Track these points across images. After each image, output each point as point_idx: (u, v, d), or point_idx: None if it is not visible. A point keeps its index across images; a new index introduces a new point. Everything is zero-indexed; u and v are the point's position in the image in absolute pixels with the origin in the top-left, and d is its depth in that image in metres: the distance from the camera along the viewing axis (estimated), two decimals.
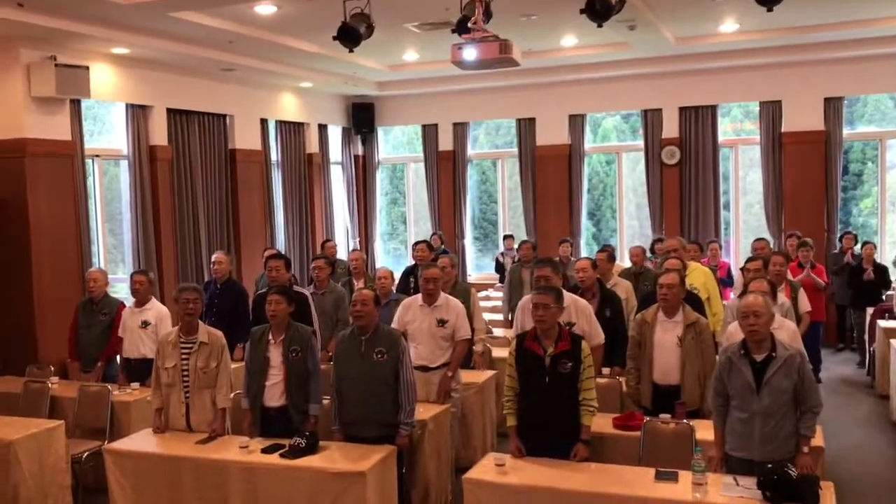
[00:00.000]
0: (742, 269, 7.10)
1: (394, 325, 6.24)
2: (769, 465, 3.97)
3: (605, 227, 13.85)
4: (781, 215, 12.04)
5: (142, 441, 5.40)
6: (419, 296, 6.21)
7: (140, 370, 6.85)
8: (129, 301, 7.22)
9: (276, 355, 5.28)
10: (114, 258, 9.82)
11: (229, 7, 8.02)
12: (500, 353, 7.62)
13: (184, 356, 5.47)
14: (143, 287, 7.00)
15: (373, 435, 5.02)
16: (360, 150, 14.32)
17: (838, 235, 11.36)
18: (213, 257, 8.10)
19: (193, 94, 10.34)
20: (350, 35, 6.72)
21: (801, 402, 4.22)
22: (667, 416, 5.19)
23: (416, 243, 8.57)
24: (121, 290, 8.74)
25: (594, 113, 13.20)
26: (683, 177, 12.47)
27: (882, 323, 8.74)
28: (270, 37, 9.34)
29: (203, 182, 10.49)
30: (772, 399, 4.18)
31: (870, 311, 9.77)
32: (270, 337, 5.32)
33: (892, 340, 7.87)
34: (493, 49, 6.03)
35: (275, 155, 12.11)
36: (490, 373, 6.95)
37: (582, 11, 5.94)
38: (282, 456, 4.88)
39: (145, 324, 6.94)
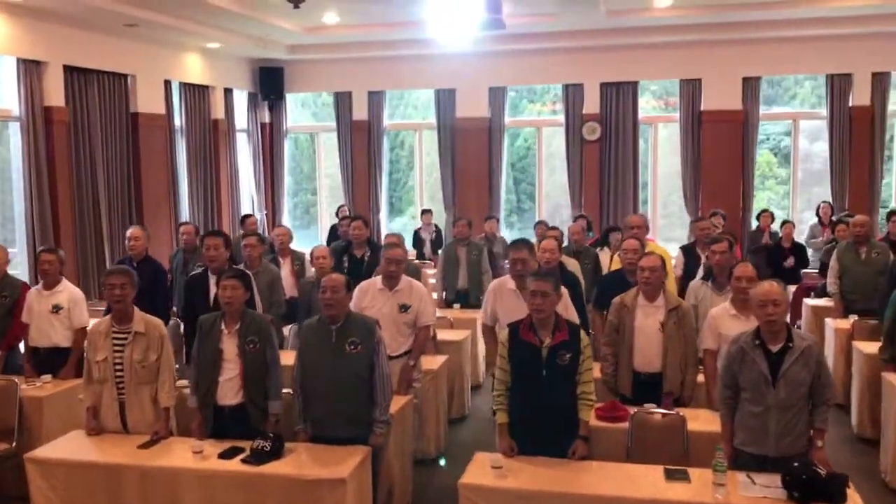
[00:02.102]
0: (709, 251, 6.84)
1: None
2: (795, 464, 3.74)
3: (525, 202, 13.64)
4: (699, 193, 12.14)
5: (72, 446, 4.69)
6: (378, 278, 5.71)
7: (51, 360, 6.08)
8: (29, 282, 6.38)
9: (230, 347, 4.66)
10: (3, 233, 8.77)
11: None
12: (443, 335, 7.25)
13: (116, 348, 4.78)
14: (52, 267, 6.15)
15: (345, 435, 4.51)
16: (266, 118, 13.49)
17: (755, 214, 11.55)
18: (129, 232, 7.28)
19: (93, 50, 9.34)
20: None
21: (816, 394, 4.02)
22: (651, 405, 4.94)
23: (353, 218, 8.02)
24: (13, 269, 7.79)
25: (515, 85, 12.89)
26: (603, 153, 12.38)
27: (809, 301, 8.86)
28: None
29: (103, 148, 9.54)
30: (788, 392, 3.97)
31: (791, 289, 9.93)
32: (223, 327, 4.70)
33: (827, 319, 7.94)
34: None
35: (178, 120, 11.19)
36: (442, 358, 6.55)
37: None
38: (244, 461, 4.31)
39: (56, 308, 6.11)
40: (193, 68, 11.39)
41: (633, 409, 4.89)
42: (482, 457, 4.37)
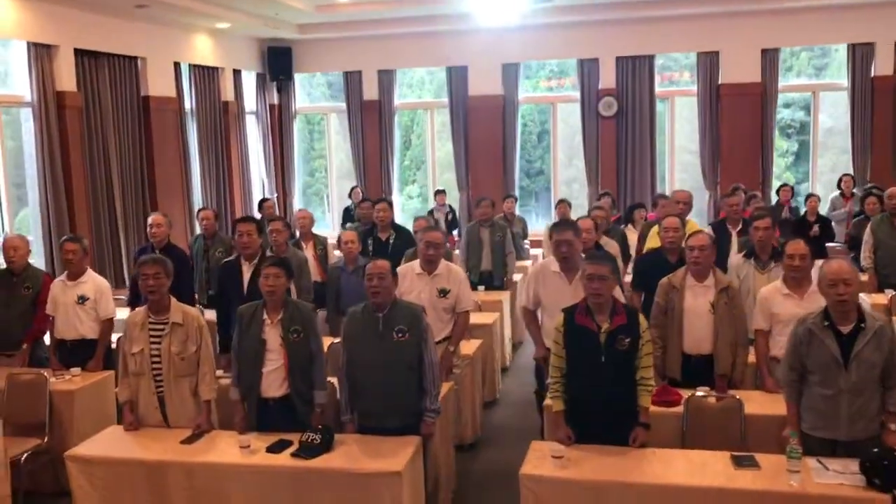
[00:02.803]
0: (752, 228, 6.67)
1: None
2: (875, 450, 3.61)
3: (540, 179, 13.46)
4: (717, 168, 11.96)
5: (112, 442, 4.55)
6: (416, 262, 5.56)
7: (78, 353, 5.95)
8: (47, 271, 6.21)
9: (273, 337, 4.51)
10: (18, 221, 8.59)
11: None
12: (474, 318, 7.10)
13: (153, 340, 4.62)
14: (76, 256, 5.98)
15: (394, 425, 4.37)
16: (275, 99, 13.26)
17: (775, 188, 11.37)
18: (151, 219, 7.10)
19: (103, 33, 9.12)
20: None
21: (887, 376, 3.87)
22: (705, 388, 4.80)
23: (377, 201, 7.84)
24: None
25: (529, 61, 12.67)
26: (620, 129, 12.18)
27: None
28: None
29: (115, 133, 9.34)
30: (861, 374, 3.82)
31: (818, 263, 9.77)
32: (266, 316, 4.54)
33: (861, 294, 7.79)
34: None
35: (188, 103, 10.97)
36: (477, 342, 6.42)
37: None
38: (294, 455, 4.17)
39: (82, 299, 5.96)
40: (203, 50, 11.16)
41: (685, 393, 4.77)
42: (539, 445, 4.23)
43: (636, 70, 12.01)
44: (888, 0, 10.75)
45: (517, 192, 12.45)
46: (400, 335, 4.38)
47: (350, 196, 12.03)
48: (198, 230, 10.91)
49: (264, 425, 4.51)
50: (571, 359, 4.21)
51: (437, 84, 13.33)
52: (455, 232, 12.00)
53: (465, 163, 12.63)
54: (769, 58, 11.63)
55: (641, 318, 4.25)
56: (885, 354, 3.83)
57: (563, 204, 10.07)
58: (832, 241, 10.13)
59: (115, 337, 6.12)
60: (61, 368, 5.86)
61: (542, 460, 4.03)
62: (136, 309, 4.78)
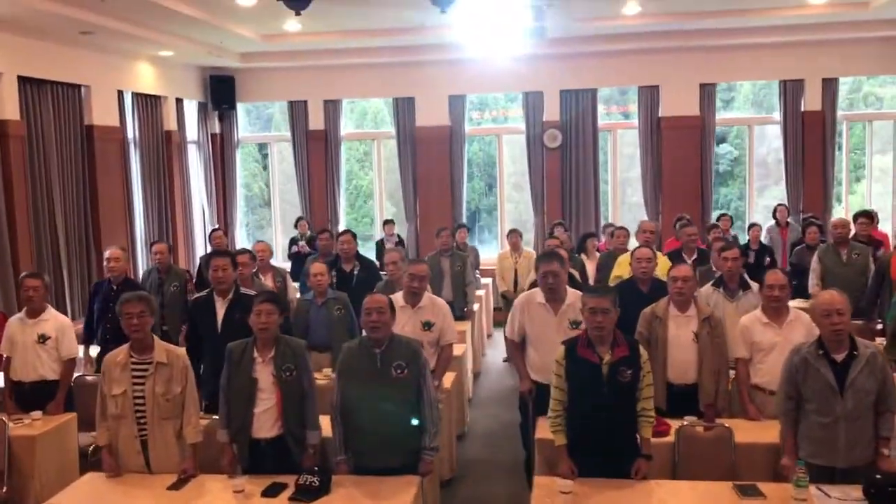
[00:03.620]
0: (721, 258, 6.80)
1: None
2: (877, 476, 3.71)
3: (487, 210, 13.56)
4: (659, 198, 12.27)
5: (92, 491, 4.31)
6: (398, 295, 5.50)
7: (37, 395, 5.66)
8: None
9: (265, 376, 4.37)
10: None
11: None
12: None
13: (136, 381, 4.43)
14: (38, 293, 5.72)
15: (392, 464, 4.28)
16: (217, 128, 13.01)
17: (714, 218, 11.72)
18: (108, 253, 6.85)
19: (48, 60, 8.79)
20: None
21: (880, 402, 4.01)
22: (692, 418, 4.88)
23: (342, 233, 7.76)
24: None
25: (474, 94, 12.80)
26: (564, 160, 12.38)
27: (790, 304, 8.98)
28: None
29: (59, 164, 8.98)
30: (856, 401, 3.94)
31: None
32: (256, 354, 4.40)
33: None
34: None
35: (131, 132, 10.65)
36: (452, 375, 6.36)
37: None
38: (292, 499, 4.04)
39: (43, 338, 5.69)
40: (146, 77, 10.88)
41: (672, 423, 4.82)
42: (543, 481, 4.21)
43: (580, 103, 12.24)
44: (816, 39, 11.27)
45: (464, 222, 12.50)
46: (399, 371, 4.31)
47: (296, 227, 11.86)
48: (141, 264, 10.71)
49: (255, 468, 4.35)
50: (573, 392, 4.21)
51: (382, 115, 13.32)
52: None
53: (413, 193, 12.61)
54: (707, 92, 12.04)
55: (642, 349, 4.29)
56: (879, 381, 3.97)
57: (515, 234, 10.16)
58: (775, 268, 10.46)
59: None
60: (18, 412, 5.55)
61: (552, 497, 4.00)
62: (117, 348, 4.57)
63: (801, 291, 8.54)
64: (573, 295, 5.25)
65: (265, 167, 14.24)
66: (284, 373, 4.37)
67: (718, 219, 11.41)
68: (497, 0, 5.31)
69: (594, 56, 11.87)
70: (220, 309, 5.58)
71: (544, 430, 4.92)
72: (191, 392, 4.48)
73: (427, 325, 5.37)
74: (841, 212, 12.15)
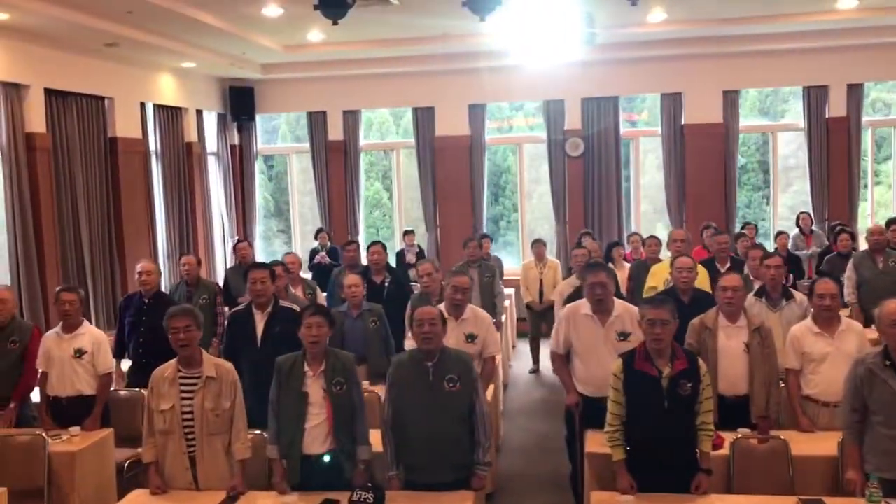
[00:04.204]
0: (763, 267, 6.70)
1: (410, 341, 5.41)
2: None
3: (506, 219, 13.49)
4: (683, 206, 12.18)
5: None
6: (441, 307, 5.40)
7: (73, 410, 5.59)
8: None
9: (316, 390, 4.29)
10: None
11: None
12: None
13: (185, 395, 4.36)
14: (74, 308, 5.65)
15: (445, 480, 4.19)
16: (236, 140, 12.97)
17: (739, 226, 11.62)
18: (140, 266, 6.78)
19: (73, 72, 8.77)
20: (333, 4, 5.71)
21: None
22: (746, 430, 4.78)
23: (372, 244, 7.68)
24: None
25: (495, 103, 12.75)
26: (587, 168, 12.30)
27: None
28: (178, 6, 8.02)
29: (84, 176, 8.94)
30: None
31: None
32: (307, 368, 4.33)
33: None
34: None
35: (152, 144, 10.61)
36: (491, 388, 6.27)
37: None
38: None
39: (79, 353, 5.62)
40: (167, 89, 10.85)
41: (725, 435, 4.72)
42: (600, 497, 4.12)
43: (601, 111, 12.18)
44: (840, 45, 11.19)
45: (485, 231, 12.41)
46: (451, 385, 4.22)
47: (316, 238, 11.80)
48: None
49: (306, 484, 4.27)
50: (632, 406, 4.13)
51: (403, 125, 13.28)
52: None
53: (434, 202, 12.55)
54: (730, 99, 11.96)
55: (701, 362, 4.20)
56: None
57: (539, 244, 10.08)
58: (802, 278, 10.37)
59: None
60: (54, 428, 5.49)
61: None
62: (165, 363, 4.49)
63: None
64: (620, 306, 5.17)
65: (270, 178, 14.21)
66: (335, 387, 4.29)
67: (743, 227, 11.32)
68: (547, 8, 5.21)
69: (616, 63, 11.80)
70: (260, 322, 5.51)
71: (594, 443, 4.85)
72: (240, 407, 4.41)
73: (470, 338, 5.29)
74: (866, 219, 12.05)
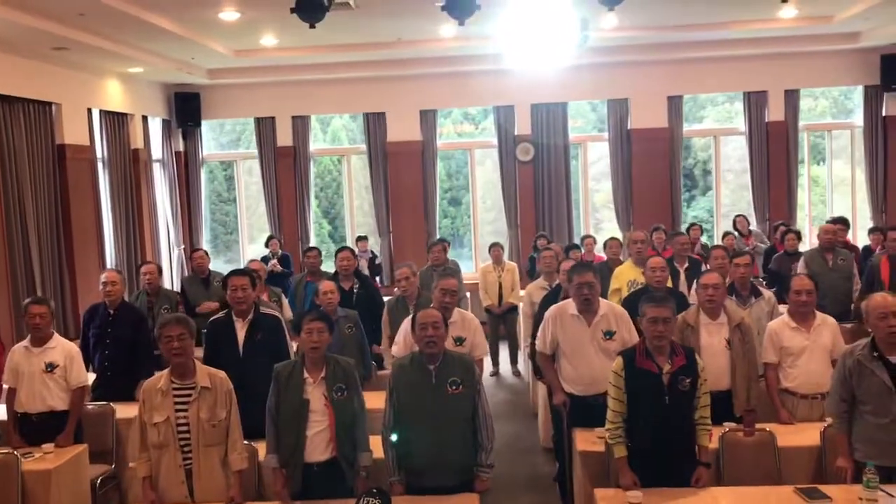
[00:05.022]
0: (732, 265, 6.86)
1: (399, 345, 5.42)
2: None
3: (460, 224, 13.54)
4: (630, 210, 12.43)
5: None
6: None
7: (45, 427, 5.37)
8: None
9: (317, 397, 4.24)
10: None
11: None
12: None
13: (179, 406, 4.24)
14: (44, 320, 5.44)
15: (449, 483, 4.19)
16: (181, 146, 12.68)
17: (685, 228, 11.92)
18: (105, 276, 6.57)
19: (19, 76, 8.45)
20: (311, 6, 5.66)
21: None
22: (731, 424, 4.92)
23: (340, 250, 7.60)
24: None
25: (445, 108, 12.79)
26: (537, 173, 12.45)
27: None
28: (133, 10, 7.81)
29: (32, 185, 8.61)
30: None
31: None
32: (307, 374, 4.27)
33: None
34: None
35: (100, 151, 10.30)
36: None
37: None
38: None
39: (51, 367, 5.41)
40: (113, 95, 10.55)
41: (714, 430, 4.83)
42: (606, 494, 4.18)
43: (550, 116, 12.34)
44: (778, 52, 11.62)
45: (437, 237, 12.43)
46: (454, 387, 4.23)
47: (267, 245, 11.64)
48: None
49: (307, 493, 4.21)
50: (634, 403, 4.20)
51: (353, 130, 13.22)
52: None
53: (386, 208, 12.51)
54: (674, 104, 12.28)
55: (698, 357, 4.30)
56: None
57: (497, 247, 10.16)
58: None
59: None
60: (24, 446, 5.27)
61: None
62: (156, 374, 4.37)
63: (780, 297, 8.76)
64: (605, 305, 5.26)
65: (217, 185, 13.97)
66: (336, 393, 4.25)
67: (688, 229, 11.63)
68: (541, 11, 5.27)
69: (564, 70, 11.90)
70: (241, 330, 5.39)
71: (585, 442, 4.93)
72: (235, 417, 4.32)
73: (458, 341, 5.29)
74: (804, 219, 12.52)
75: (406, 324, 5.42)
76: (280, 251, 11.49)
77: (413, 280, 6.55)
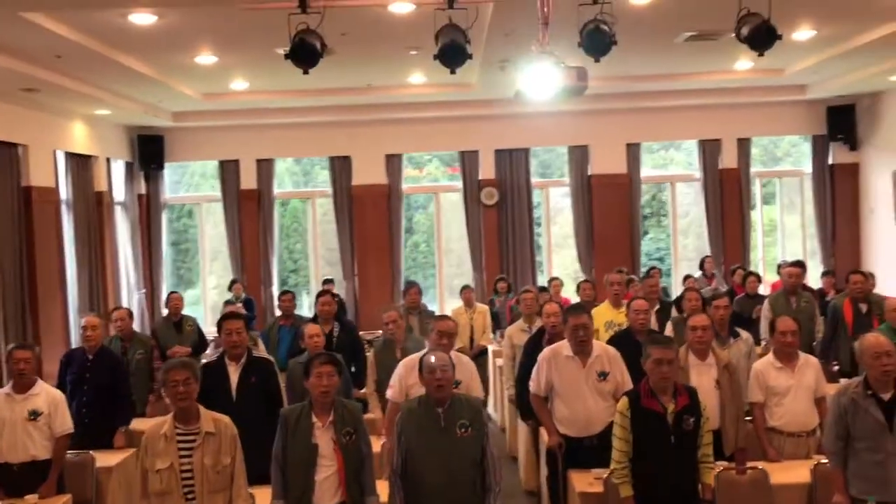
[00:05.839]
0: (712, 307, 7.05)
1: (395, 388, 5.41)
2: None
3: (425, 267, 13.62)
4: (592, 253, 12.66)
5: None
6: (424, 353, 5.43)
7: (27, 477, 5.21)
8: None
9: (326, 441, 4.22)
10: None
11: (96, 13, 6.53)
12: None
13: (183, 453, 4.17)
14: (29, 366, 5.30)
15: None
16: (143, 189, 12.53)
17: (645, 271, 12.18)
18: (84, 321, 6.47)
19: None
20: (305, 53, 5.73)
21: None
22: (723, 462, 5.03)
23: (321, 293, 7.61)
24: None
25: (410, 153, 12.94)
26: (501, 217, 12.64)
27: None
28: (110, 52, 7.78)
29: None
30: None
31: None
32: (315, 419, 4.25)
33: None
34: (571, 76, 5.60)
35: (64, 193, 10.13)
36: None
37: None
38: None
39: (34, 414, 5.26)
40: (79, 137, 10.42)
41: None
42: None
43: (514, 162, 12.58)
44: (731, 103, 12.10)
45: (401, 279, 12.48)
46: (463, 430, 4.26)
47: (230, 289, 11.53)
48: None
49: None
50: (639, 442, 4.28)
51: (315, 173, 13.26)
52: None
53: (351, 251, 12.52)
54: (632, 151, 12.63)
55: (700, 397, 4.42)
56: None
57: (468, 290, 10.23)
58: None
59: None
60: (3, 497, 5.10)
61: None
62: (159, 419, 4.30)
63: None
64: (598, 347, 5.36)
65: (178, 228, 13.83)
66: (344, 437, 4.24)
67: (649, 272, 11.87)
68: (541, 60, 5.45)
69: (526, 116, 12.18)
70: (234, 374, 5.34)
71: (582, 483, 4.98)
72: (240, 463, 4.27)
73: (454, 384, 5.31)
74: (759, 263, 12.91)
75: (401, 368, 5.43)
76: (243, 295, 11.38)
77: (400, 323, 6.58)
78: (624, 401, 4.37)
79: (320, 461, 4.20)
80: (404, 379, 5.33)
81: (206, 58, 8.40)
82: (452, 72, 5.62)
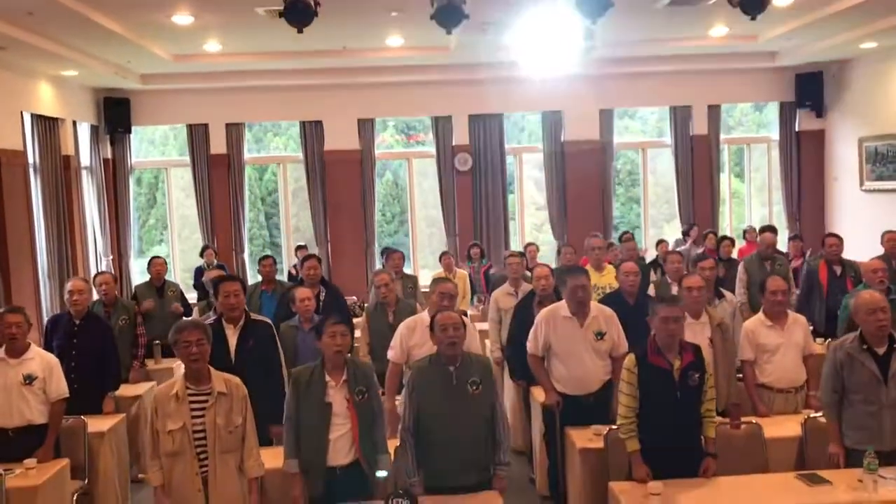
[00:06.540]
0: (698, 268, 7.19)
1: (396, 350, 5.44)
2: None
3: (398, 233, 13.59)
4: (565, 219, 12.76)
5: None
6: (424, 314, 5.47)
7: (23, 443, 5.12)
8: None
9: (339, 400, 4.23)
10: None
11: None
12: None
13: (196, 413, 4.14)
14: (21, 330, 5.19)
15: (468, 483, 4.25)
16: (109, 153, 12.24)
17: (618, 236, 12.34)
18: (70, 285, 6.32)
19: None
20: (299, 12, 5.64)
21: None
22: (718, 418, 5.16)
23: (306, 258, 7.55)
24: None
25: (385, 118, 12.83)
26: (475, 183, 12.64)
27: None
28: (84, 9, 7.55)
29: None
30: None
31: None
32: (328, 377, 4.25)
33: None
34: None
35: (31, 157, 9.86)
36: None
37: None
38: None
39: (29, 378, 5.17)
40: (45, 98, 10.12)
41: None
42: (622, 487, 4.33)
43: (487, 128, 12.57)
44: (702, 69, 12.22)
45: (376, 245, 12.46)
46: (474, 388, 4.29)
47: (202, 255, 11.39)
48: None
49: (331, 496, 4.19)
50: (646, 398, 4.37)
51: (288, 138, 13.09)
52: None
53: (324, 217, 12.43)
54: (606, 117, 12.70)
55: (704, 353, 4.53)
56: None
57: (448, 255, 10.26)
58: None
59: None
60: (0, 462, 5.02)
61: (646, 500, 4.11)
62: (169, 380, 4.26)
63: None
64: (595, 307, 5.44)
65: (146, 192, 13.58)
66: (358, 395, 4.25)
67: (621, 237, 12.04)
68: (547, 21, 5.42)
69: (499, 82, 12.13)
70: (232, 337, 5.30)
71: (582, 439, 5.08)
72: (251, 423, 4.25)
73: None
74: (726, 229, 13.15)
75: (402, 328, 5.46)
76: (215, 261, 11.25)
77: (392, 286, 6.59)
78: (631, 358, 4.45)
79: (334, 420, 4.21)
80: (406, 340, 5.36)
81: (182, 17, 8.21)
82: (448, 32, 5.58)
